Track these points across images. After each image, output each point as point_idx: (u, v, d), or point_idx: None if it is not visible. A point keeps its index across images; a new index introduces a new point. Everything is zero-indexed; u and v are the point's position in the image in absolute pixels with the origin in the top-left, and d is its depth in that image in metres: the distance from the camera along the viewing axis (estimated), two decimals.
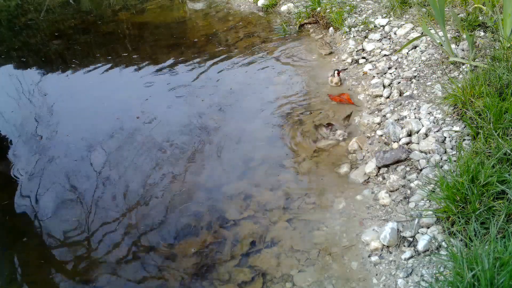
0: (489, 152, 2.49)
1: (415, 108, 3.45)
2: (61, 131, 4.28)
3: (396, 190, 2.86)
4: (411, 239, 2.48)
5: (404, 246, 2.48)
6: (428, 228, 2.46)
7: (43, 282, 2.81)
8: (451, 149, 2.91)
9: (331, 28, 5.44)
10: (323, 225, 2.85)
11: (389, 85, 3.96)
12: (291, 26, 5.94)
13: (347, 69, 4.55)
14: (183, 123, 4.14)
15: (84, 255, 2.92)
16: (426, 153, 3.00)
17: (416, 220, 2.50)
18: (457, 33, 4.04)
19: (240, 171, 3.46)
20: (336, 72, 4.33)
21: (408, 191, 2.81)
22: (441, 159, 2.86)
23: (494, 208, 2.19)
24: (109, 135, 4.09)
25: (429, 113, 3.30)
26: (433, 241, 2.35)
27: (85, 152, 3.90)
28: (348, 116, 3.85)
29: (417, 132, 3.18)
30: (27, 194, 3.52)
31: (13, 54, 6.57)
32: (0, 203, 3.48)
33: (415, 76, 3.86)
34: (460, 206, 2.29)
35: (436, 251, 2.33)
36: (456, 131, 2.98)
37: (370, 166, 3.14)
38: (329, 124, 3.74)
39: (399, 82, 3.90)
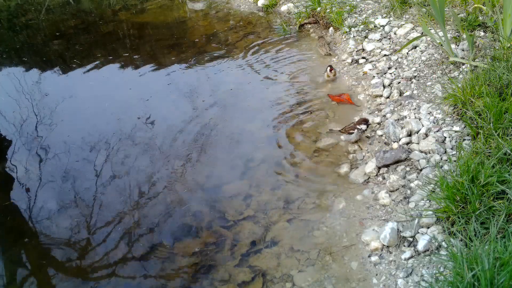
0: (489, 152, 2.49)
1: (415, 108, 3.45)
2: (62, 132, 4.29)
3: (396, 190, 2.87)
4: (411, 239, 2.49)
5: (404, 246, 2.48)
6: (428, 228, 2.47)
7: (43, 282, 2.81)
8: (451, 149, 2.91)
9: (331, 28, 5.44)
10: (323, 225, 2.85)
11: (389, 85, 3.96)
12: (291, 26, 5.94)
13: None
14: (183, 123, 4.14)
15: (84, 255, 2.92)
16: (426, 153, 3.00)
17: (416, 220, 2.51)
18: (457, 33, 4.04)
19: (240, 171, 3.46)
20: (328, 67, 4.41)
21: (408, 191, 2.81)
22: (441, 159, 2.86)
23: (494, 208, 2.19)
24: (110, 136, 4.09)
25: (429, 113, 3.30)
26: (433, 241, 2.35)
27: (86, 152, 3.90)
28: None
29: (417, 132, 3.18)
30: (28, 194, 3.53)
31: (14, 54, 6.57)
32: (0, 204, 3.48)
33: (415, 76, 3.86)
34: (460, 206, 2.30)
35: (436, 251, 2.33)
36: (456, 131, 2.98)
37: (370, 166, 3.15)
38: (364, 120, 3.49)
39: (399, 82, 3.90)
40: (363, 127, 3.39)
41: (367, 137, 3.52)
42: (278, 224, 2.92)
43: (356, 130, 3.38)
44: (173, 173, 3.54)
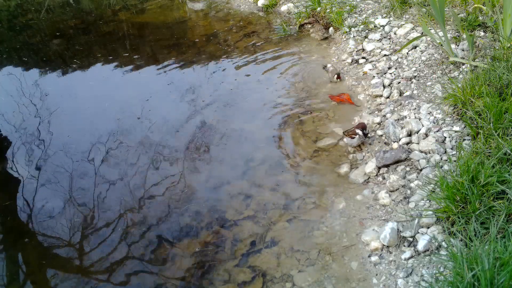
0: (489, 152, 2.49)
1: (415, 108, 3.45)
2: (62, 132, 4.29)
3: (396, 190, 2.87)
4: (411, 239, 2.49)
5: (404, 246, 2.48)
6: (428, 228, 2.47)
7: (43, 282, 2.81)
8: (451, 149, 2.91)
9: (331, 28, 5.44)
10: (323, 225, 2.85)
11: (389, 85, 3.97)
12: (291, 26, 5.94)
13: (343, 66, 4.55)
14: (183, 123, 4.15)
15: (84, 255, 2.92)
16: (426, 153, 3.00)
17: (416, 220, 2.51)
18: (457, 33, 4.04)
19: (240, 171, 3.46)
20: (336, 75, 4.39)
21: (408, 191, 2.81)
22: (441, 159, 2.86)
23: (494, 208, 2.19)
24: (110, 136, 4.09)
25: (429, 113, 3.30)
26: (433, 241, 2.35)
27: (86, 153, 3.90)
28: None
29: (417, 132, 3.18)
30: (28, 194, 3.53)
31: (14, 54, 6.57)
32: (1, 204, 3.48)
33: (415, 76, 3.86)
34: (460, 206, 2.30)
35: (436, 251, 2.33)
36: (456, 131, 2.98)
37: (370, 166, 3.15)
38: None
39: (399, 82, 3.90)
40: (360, 132, 3.31)
41: (368, 137, 3.52)
42: (278, 224, 2.92)
43: (357, 135, 3.32)
44: (173, 173, 3.54)
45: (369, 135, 3.52)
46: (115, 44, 6.41)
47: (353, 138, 3.36)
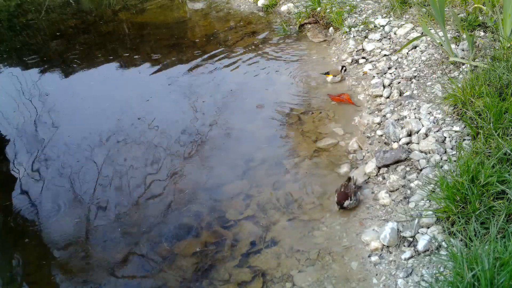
0: (489, 152, 2.49)
1: (415, 108, 3.45)
2: (62, 132, 4.28)
3: (396, 190, 2.87)
4: (411, 239, 2.49)
5: (404, 246, 2.48)
6: (428, 228, 2.47)
7: (43, 282, 2.81)
8: (451, 149, 2.91)
9: (331, 28, 5.44)
10: (323, 225, 2.85)
11: (389, 85, 3.97)
12: (291, 26, 5.94)
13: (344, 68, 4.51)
14: (184, 124, 4.15)
15: (84, 255, 2.92)
16: (426, 153, 3.00)
17: (416, 220, 2.51)
18: (457, 33, 4.04)
19: (240, 171, 3.46)
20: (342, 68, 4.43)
21: (408, 191, 2.81)
22: (441, 159, 2.86)
23: (494, 208, 2.19)
24: (111, 136, 4.09)
25: (429, 113, 3.30)
26: (433, 241, 2.35)
27: (87, 153, 3.90)
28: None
29: (417, 132, 3.18)
30: (28, 194, 3.52)
31: (14, 54, 6.57)
32: (1, 204, 3.48)
33: (415, 76, 3.86)
34: (460, 206, 2.30)
35: (436, 251, 2.33)
36: (456, 131, 2.98)
37: (370, 166, 3.15)
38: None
39: (399, 82, 3.90)
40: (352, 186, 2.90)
41: (368, 137, 3.53)
42: (278, 224, 2.92)
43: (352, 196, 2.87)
44: (173, 173, 3.54)
45: (368, 134, 3.52)
46: (115, 44, 6.41)
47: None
